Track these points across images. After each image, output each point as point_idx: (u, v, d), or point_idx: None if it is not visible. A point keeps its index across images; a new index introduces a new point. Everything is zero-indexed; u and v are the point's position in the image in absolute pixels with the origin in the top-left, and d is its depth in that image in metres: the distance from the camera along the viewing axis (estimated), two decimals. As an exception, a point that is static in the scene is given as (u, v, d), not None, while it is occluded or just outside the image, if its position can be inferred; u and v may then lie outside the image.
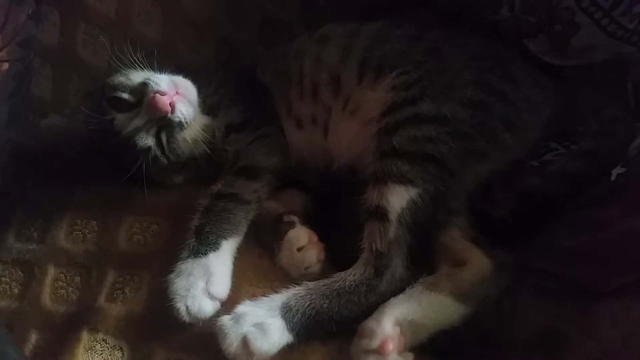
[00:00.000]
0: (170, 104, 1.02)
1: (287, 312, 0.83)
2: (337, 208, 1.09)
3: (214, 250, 0.92)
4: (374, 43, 1.11)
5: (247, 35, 1.45)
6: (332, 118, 1.10)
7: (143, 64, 1.09)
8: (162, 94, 1.02)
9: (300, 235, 0.97)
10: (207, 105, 1.13)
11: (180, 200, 1.07)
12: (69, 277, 1.03)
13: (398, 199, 0.89)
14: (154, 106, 1.01)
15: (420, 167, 0.90)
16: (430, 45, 1.09)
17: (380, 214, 0.89)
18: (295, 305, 0.83)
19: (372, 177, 0.93)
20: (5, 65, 1.00)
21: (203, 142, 1.08)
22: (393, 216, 0.89)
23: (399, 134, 0.93)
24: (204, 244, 0.92)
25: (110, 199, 1.10)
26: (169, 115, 1.03)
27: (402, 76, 1.01)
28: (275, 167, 1.07)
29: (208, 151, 1.08)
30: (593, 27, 1.07)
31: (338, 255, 0.96)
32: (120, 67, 1.10)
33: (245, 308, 0.83)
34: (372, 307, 0.85)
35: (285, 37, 1.38)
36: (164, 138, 1.05)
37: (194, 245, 0.92)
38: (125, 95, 1.05)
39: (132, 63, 1.09)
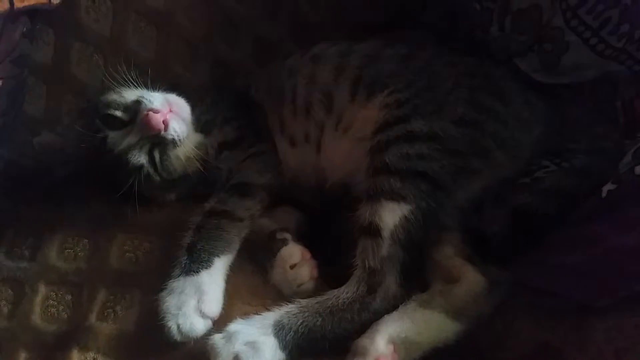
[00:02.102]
0: (163, 121, 1.02)
1: (279, 330, 0.82)
2: (330, 225, 1.08)
3: (206, 268, 0.91)
4: (366, 62, 1.12)
5: (240, 55, 1.46)
6: (324, 136, 1.11)
7: (137, 82, 1.10)
8: (156, 111, 1.02)
9: (293, 253, 0.97)
10: (200, 123, 1.13)
11: (173, 217, 1.07)
12: (59, 295, 1.01)
13: (391, 215, 0.89)
14: (147, 124, 1.02)
15: (413, 184, 0.91)
16: (422, 64, 1.10)
17: (373, 230, 0.90)
18: (288, 323, 0.83)
19: (365, 194, 0.94)
20: (-1, 83, 1.00)
21: (196, 159, 1.08)
22: (386, 233, 0.89)
23: (391, 152, 0.94)
24: (196, 262, 0.91)
25: (102, 217, 1.10)
26: (162, 132, 1.03)
27: (394, 94, 1.02)
28: (268, 185, 1.07)
29: (201, 169, 1.08)
30: (582, 46, 1.09)
31: (331, 273, 0.96)
32: (114, 85, 1.11)
33: (237, 326, 0.82)
34: (366, 325, 0.84)
35: (278, 57, 1.38)
36: (156, 155, 1.05)
37: (186, 263, 0.92)
38: (119, 113, 1.05)
39: (125, 81, 1.10)
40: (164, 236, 1.04)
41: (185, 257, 0.93)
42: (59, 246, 1.08)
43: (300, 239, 1.02)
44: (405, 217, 0.89)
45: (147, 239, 1.05)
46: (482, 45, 1.23)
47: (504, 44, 1.19)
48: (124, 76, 1.10)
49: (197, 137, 1.11)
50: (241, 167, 1.09)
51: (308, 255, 0.97)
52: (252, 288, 0.95)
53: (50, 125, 1.22)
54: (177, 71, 1.37)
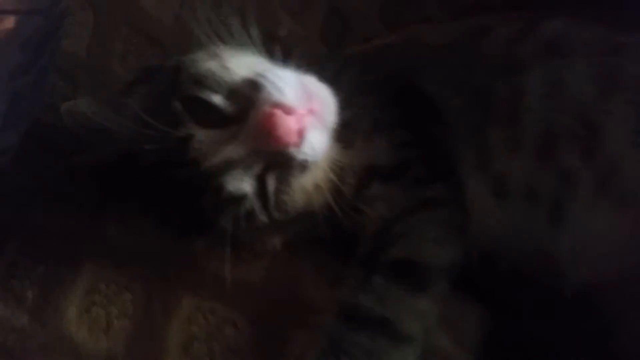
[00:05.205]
0: (298, 130, 0.56)
1: None
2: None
3: None
4: None
5: (365, 6, 1.09)
6: (576, 199, 0.63)
7: (252, 41, 0.63)
8: (288, 110, 0.56)
9: None
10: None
11: (275, 279, 0.65)
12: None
13: None
14: (269, 131, 0.55)
15: None
16: None
17: None
18: None
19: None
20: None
21: (329, 191, 0.62)
22: None
23: None
24: None
25: (160, 261, 0.66)
26: (291, 150, 0.57)
27: None
28: (452, 265, 0.62)
29: (334, 205, 0.62)
30: None
31: None
32: (208, 38, 0.65)
33: None
34: None
35: (414, 16, 1.05)
36: (271, 184, 0.60)
37: None
38: (218, 99, 0.59)
39: (231, 35, 0.63)
40: (258, 314, 0.63)
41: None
42: (83, 299, 0.64)
43: None
44: None
45: (231, 315, 0.63)
46: None
47: None
48: (229, 27, 0.63)
49: (333, 152, 0.65)
50: (407, 226, 0.63)
51: None
52: None
53: (91, 72, 0.78)
54: (286, 21, 0.99)
